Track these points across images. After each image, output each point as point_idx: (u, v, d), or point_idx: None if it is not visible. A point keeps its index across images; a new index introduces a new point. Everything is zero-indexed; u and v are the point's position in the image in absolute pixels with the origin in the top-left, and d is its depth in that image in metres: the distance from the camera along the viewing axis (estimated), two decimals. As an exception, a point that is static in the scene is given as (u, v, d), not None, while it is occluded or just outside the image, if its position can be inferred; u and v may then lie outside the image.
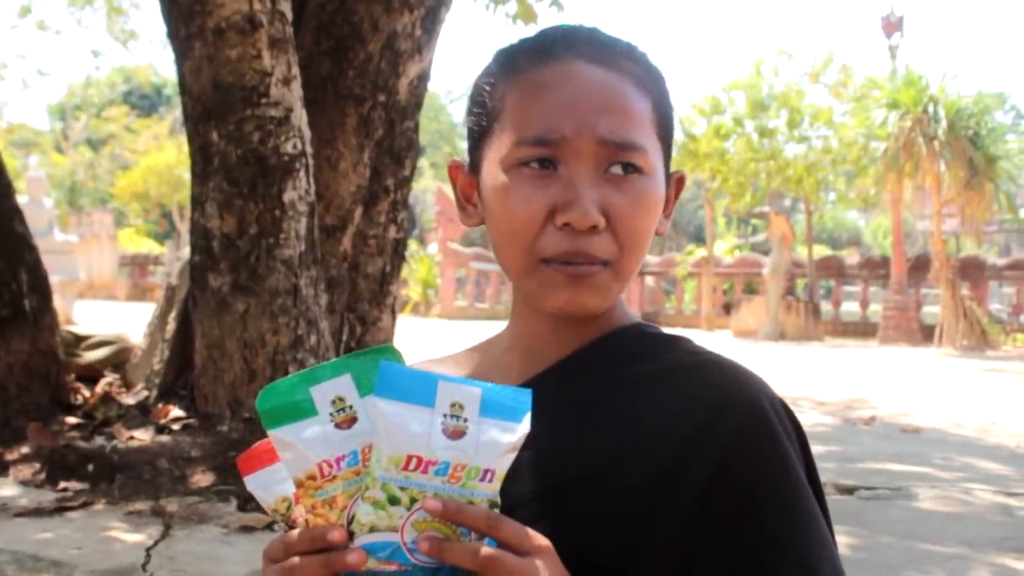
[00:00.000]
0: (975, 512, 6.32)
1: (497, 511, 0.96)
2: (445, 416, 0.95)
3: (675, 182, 1.26)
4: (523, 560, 0.95)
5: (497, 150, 1.16)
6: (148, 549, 4.82)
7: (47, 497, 5.68)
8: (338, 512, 0.97)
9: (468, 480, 0.94)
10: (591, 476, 1.10)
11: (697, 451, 1.08)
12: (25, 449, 6.35)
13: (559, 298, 1.14)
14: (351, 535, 0.95)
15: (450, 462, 0.94)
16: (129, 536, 5.05)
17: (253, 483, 1.06)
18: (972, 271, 25.45)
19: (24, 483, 5.96)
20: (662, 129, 1.19)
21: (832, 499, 6.45)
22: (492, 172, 1.17)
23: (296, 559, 0.97)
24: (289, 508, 1.02)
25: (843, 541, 5.46)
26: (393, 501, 0.93)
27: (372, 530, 0.93)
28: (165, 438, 6.51)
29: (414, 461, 0.93)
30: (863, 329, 27.22)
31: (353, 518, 0.95)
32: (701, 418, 1.09)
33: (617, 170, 1.13)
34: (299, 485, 0.98)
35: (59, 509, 5.47)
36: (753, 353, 19.71)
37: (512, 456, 0.96)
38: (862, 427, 10.05)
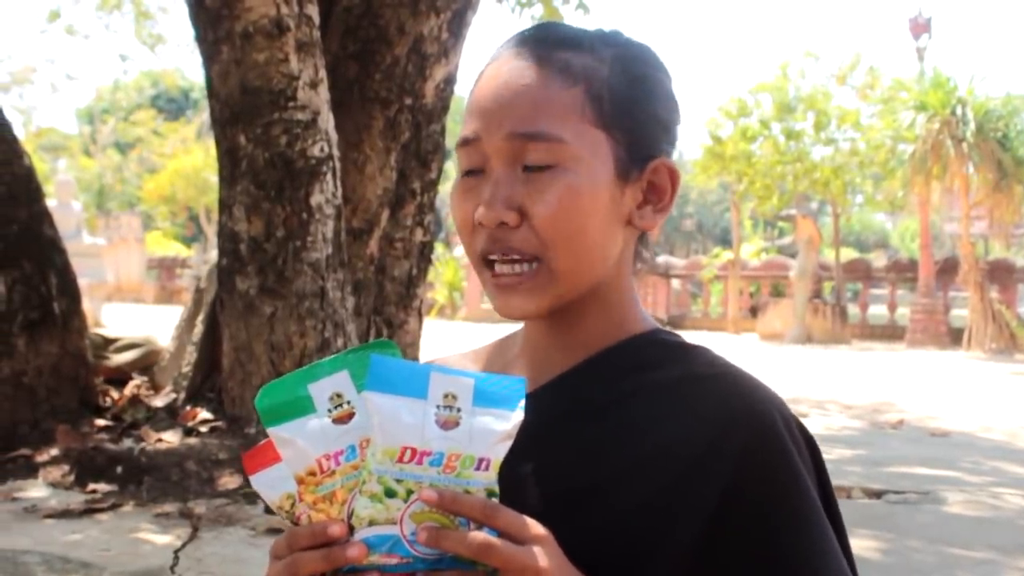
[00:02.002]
0: (1004, 516, 6.28)
1: (495, 500, 0.96)
2: (438, 407, 0.95)
3: (664, 172, 1.18)
4: (522, 548, 0.94)
5: None
6: (176, 551, 4.85)
7: (76, 499, 5.72)
8: (338, 507, 0.97)
9: (463, 469, 0.94)
10: (598, 488, 1.09)
11: (707, 469, 1.06)
12: (54, 451, 6.40)
13: (496, 304, 1.16)
14: (352, 529, 0.95)
15: (444, 452, 0.94)
16: (157, 538, 5.09)
17: (259, 481, 1.07)
18: (1001, 274, 25.23)
19: (53, 485, 6.01)
20: (607, 117, 1.13)
21: (860, 503, 6.43)
22: None
23: (298, 554, 0.97)
24: (293, 505, 1.03)
25: (871, 545, 5.43)
26: (390, 494, 0.93)
27: (371, 523, 0.94)
28: (193, 440, 6.54)
29: (408, 453, 0.94)
30: (891, 332, 27.03)
31: (353, 512, 0.95)
32: (711, 435, 1.08)
33: (532, 165, 1.11)
34: (300, 482, 0.99)
35: (88, 511, 5.51)
36: (780, 356, 19.64)
37: (508, 444, 0.96)
38: (890, 431, 9.99)
